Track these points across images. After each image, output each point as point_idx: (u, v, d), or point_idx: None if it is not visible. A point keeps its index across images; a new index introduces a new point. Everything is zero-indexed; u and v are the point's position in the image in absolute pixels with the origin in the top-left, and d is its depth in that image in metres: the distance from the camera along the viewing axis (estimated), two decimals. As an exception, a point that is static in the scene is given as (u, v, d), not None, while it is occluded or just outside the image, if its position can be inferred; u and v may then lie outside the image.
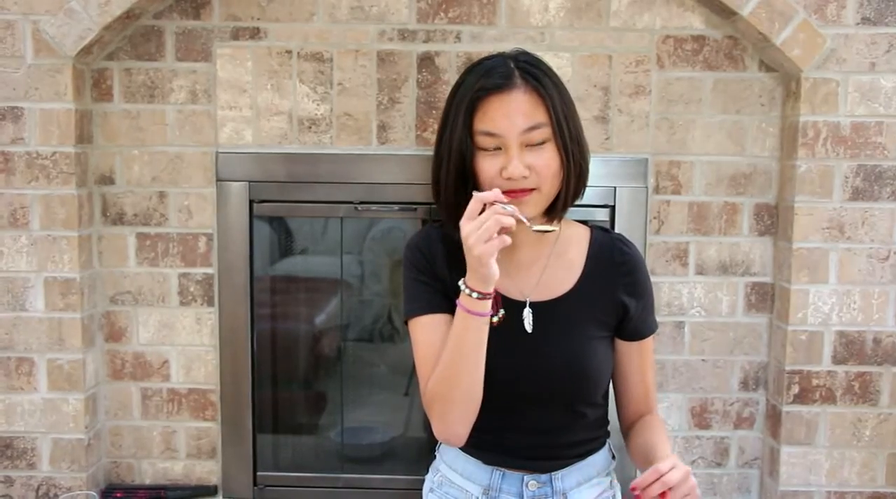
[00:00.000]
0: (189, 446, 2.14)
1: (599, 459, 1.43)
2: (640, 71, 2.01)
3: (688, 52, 2.01)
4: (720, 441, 2.13)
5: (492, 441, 1.38)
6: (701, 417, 2.12)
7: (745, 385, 2.11)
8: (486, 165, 1.25)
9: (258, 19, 2.00)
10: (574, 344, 1.32)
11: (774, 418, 2.07)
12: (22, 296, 1.99)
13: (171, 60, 2.02)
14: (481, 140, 1.25)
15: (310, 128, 2.03)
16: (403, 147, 2.04)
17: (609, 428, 1.49)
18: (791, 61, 1.91)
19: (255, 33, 2.01)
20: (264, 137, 2.04)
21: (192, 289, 2.08)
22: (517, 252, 1.34)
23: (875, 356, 2.01)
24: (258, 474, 2.16)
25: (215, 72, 2.01)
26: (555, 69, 2.00)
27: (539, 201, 1.28)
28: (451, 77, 2.01)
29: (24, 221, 1.97)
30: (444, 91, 2.01)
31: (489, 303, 1.20)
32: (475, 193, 1.17)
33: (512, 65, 1.27)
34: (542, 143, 1.25)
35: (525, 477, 1.37)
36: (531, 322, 1.33)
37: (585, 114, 2.01)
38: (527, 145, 1.24)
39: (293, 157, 2.04)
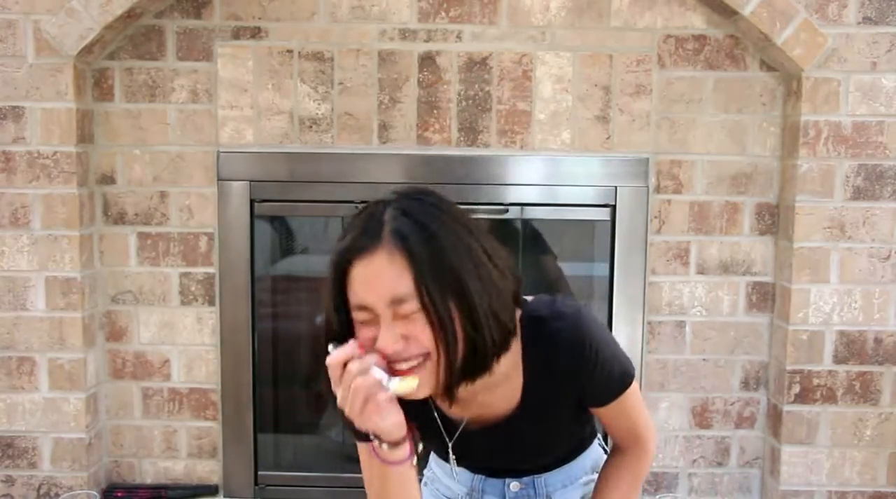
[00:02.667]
0: (190, 445, 2.14)
1: (587, 458, 1.41)
2: (641, 70, 2.01)
3: (689, 52, 2.01)
4: (721, 441, 2.13)
5: (472, 464, 1.35)
6: (702, 416, 2.12)
7: (745, 385, 2.11)
8: (362, 337, 1.06)
9: (259, 19, 2.00)
10: (518, 458, 1.28)
11: (775, 418, 2.07)
12: (23, 295, 1.99)
13: (172, 60, 2.02)
14: (356, 314, 1.05)
15: (311, 127, 2.04)
16: (404, 146, 2.04)
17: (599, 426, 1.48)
18: (792, 61, 1.91)
19: (256, 33, 2.01)
20: (265, 137, 2.04)
21: (193, 288, 2.08)
22: None
23: (876, 356, 2.01)
24: (259, 473, 2.16)
25: (216, 71, 2.01)
26: (556, 69, 2.01)
27: (433, 371, 1.06)
28: (452, 77, 2.01)
29: (25, 220, 1.97)
30: (445, 90, 2.01)
31: (404, 448, 1.08)
32: (328, 359, 1.02)
33: (385, 216, 1.03)
34: (416, 312, 1.02)
35: (507, 479, 1.37)
36: (455, 465, 1.26)
37: (586, 113, 2.01)
38: (400, 315, 1.03)
39: (294, 156, 2.04)
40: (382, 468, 1.09)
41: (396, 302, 1.02)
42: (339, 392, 1.02)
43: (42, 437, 2.03)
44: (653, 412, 2.10)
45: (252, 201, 2.06)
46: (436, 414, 1.20)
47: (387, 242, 1.02)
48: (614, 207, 2.04)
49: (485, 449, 1.25)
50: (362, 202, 2.02)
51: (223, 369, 2.10)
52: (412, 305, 1.02)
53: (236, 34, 2.01)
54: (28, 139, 1.94)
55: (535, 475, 1.36)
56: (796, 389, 2.01)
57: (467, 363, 1.06)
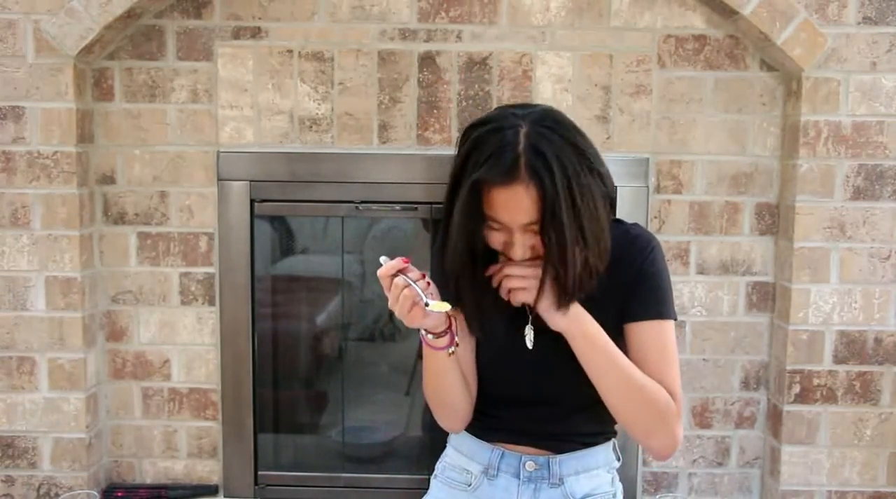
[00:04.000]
0: (190, 445, 2.14)
1: (602, 452, 1.43)
2: (641, 70, 2.01)
3: (689, 52, 2.01)
4: (721, 441, 2.13)
5: (496, 423, 1.42)
6: (702, 416, 2.12)
7: (746, 385, 2.11)
8: (493, 239, 1.27)
9: (259, 19, 2.00)
10: (574, 359, 1.31)
11: (775, 418, 2.07)
12: (23, 295, 1.99)
13: (173, 60, 2.02)
14: (490, 222, 1.25)
15: (311, 127, 2.04)
16: (404, 146, 2.04)
17: (617, 427, 1.49)
18: (792, 61, 1.91)
19: (256, 33, 2.01)
20: (265, 137, 2.04)
21: (193, 288, 2.08)
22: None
23: (876, 356, 2.01)
24: (259, 473, 2.16)
25: (216, 71, 2.01)
26: (556, 69, 2.01)
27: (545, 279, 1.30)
28: (451, 77, 2.01)
29: (25, 220, 1.97)
30: (445, 91, 2.01)
31: (446, 338, 1.28)
32: (378, 271, 1.23)
33: (520, 146, 1.18)
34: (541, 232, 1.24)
35: (523, 457, 1.39)
36: (532, 339, 1.34)
37: (586, 113, 2.01)
38: (530, 231, 1.23)
39: (294, 156, 2.04)
40: (428, 351, 1.31)
41: (530, 224, 1.21)
42: (389, 298, 1.22)
43: (42, 437, 2.03)
44: (653, 412, 2.11)
45: (252, 201, 2.06)
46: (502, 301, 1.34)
47: (523, 177, 1.18)
48: (614, 207, 2.04)
49: (530, 359, 1.34)
50: (363, 202, 2.05)
51: (223, 369, 2.10)
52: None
53: (236, 34, 2.01)
54: (28, 139, 1.95)
55: (551, 456, 1.38)
56: (796, 389, 2.01)
57: (581, 276, 1.25)
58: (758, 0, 1.87)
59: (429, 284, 1.22)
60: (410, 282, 1.20)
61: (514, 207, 1.20)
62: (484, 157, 1.20)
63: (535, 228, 1.21)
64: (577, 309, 1.27)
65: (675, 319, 1.34)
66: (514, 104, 1.32)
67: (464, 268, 1.30)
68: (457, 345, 1.29)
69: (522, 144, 1.19)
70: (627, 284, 1.32)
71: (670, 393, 1.29)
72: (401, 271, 1.20)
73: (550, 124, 1.23)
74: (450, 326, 1.27)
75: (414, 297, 1.19)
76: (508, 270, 1.27)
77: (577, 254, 1.23)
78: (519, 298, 1.27)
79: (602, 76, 2.01)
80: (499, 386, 1.39)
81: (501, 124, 1.22)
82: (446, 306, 1.21)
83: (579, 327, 1.27)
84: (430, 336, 1.27)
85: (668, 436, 1.29)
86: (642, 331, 1.32)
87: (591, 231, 1.23)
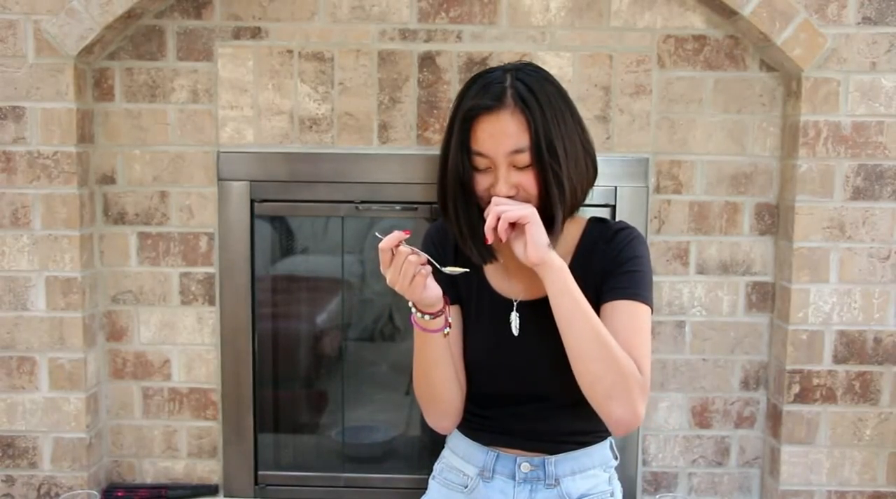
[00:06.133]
0: (190, 445, 2.14)
1: (598, 452, 1.44)
2: (641, 70, 2.01)
3: (689, 52, 2.01)
4: (721, 440, 2.13)
5: (489, 424, 1.43)
6: (702, 416, 2.12)
7: (745, 385, 2.11)
8: (478, 183, 1.31)
9: (259, 19, 2.00)
10: (558, 343, 1.32)
11: (775, 418, 2.07)
12: (23, 295, 1.99)
13: (173, 60, 2.02)
14: (474, 159, 1.29)
15: (311, 127, 2.04)
16: (404, 146, 2.04)
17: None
18: (792, 61, 1.91)
19: (256, 33, 2.01)
20: (265, 137, 2.04)
21: (193, 288, 2.08)
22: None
23: (876, 356, 2.01)
24: (259, 473, 2.17)
25: (216, 71, 2.02)
26: (556, 70, 2.01)
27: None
28: (451, 77, 2.01)
29: (25, 220, 1.97)
30: (445, 91, 2.01)
31: (440, 319, 1.29)
32: (380, 245, 1.22)
33: (507, 82, 1.28)
34: (529, 165, 1.27)
35: (518, 459, 1.40)
36: (518, 325, 1.36)
37: (586, 113, 2.01)
38: (514, 166, 1.27)
39: (294, 156, 2.04)
40: (423, 336, 1.31)
41: (515, 153, 1.26)
42: (388, 273, 1.21)
43: (42, 437, 2.04)
44: (652, 412, 2.11)
45: (252, 201, 2.06)
46: (490, 290, 1.40)
47: (511, 101, 1.26)
48: (614, 207, 2.04)
49: (516, 351, 1.37)
50: (363, 202, 2.06)
51: (223, 369, 2.11)
52: (526, 157, 1.26)
53: (236, 34, 2.01)
54: (28, 139, 1.95)
55: (546, 457, 1.38)
56: (796, 389, 2.02)
57: (560, 206, 1.29)
58: (757, 0, 1.87)
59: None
60: (418, 251, 1.21)
61: (501, 132, 1.25)
62: (473, 93, 1.29)
63: (519, 161, 1.26)
64: (553, 253, 1.28)
65: (651, 308, 1.34)
66: None
67: (457, 198, 1.32)
68: (450, 325, 1.30)
69: (509, 80, 1.28)
70: (607, 269, 1.34)
71: (638, 367, 1.28)
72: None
73: (533, 69, 1.32)
74: (444, 307, 1.29)
75: (417, 264, 1.20)
76: (496, 201, 1.28)
77: (564, 177, 1.27)
78: (509, 216, 1.24)
79: (602, 76, 2.01)
80: (487, 383, 1.40)
81: (488, 71, 1.33)
82: (460, 270, 1.25)
83: (557, 263, 1.27)
84: (426, 317, 1.27)
85: (629, 405, 1.26)
86: (616, 309, 1.32)
87: (568, 164, 1.28)
